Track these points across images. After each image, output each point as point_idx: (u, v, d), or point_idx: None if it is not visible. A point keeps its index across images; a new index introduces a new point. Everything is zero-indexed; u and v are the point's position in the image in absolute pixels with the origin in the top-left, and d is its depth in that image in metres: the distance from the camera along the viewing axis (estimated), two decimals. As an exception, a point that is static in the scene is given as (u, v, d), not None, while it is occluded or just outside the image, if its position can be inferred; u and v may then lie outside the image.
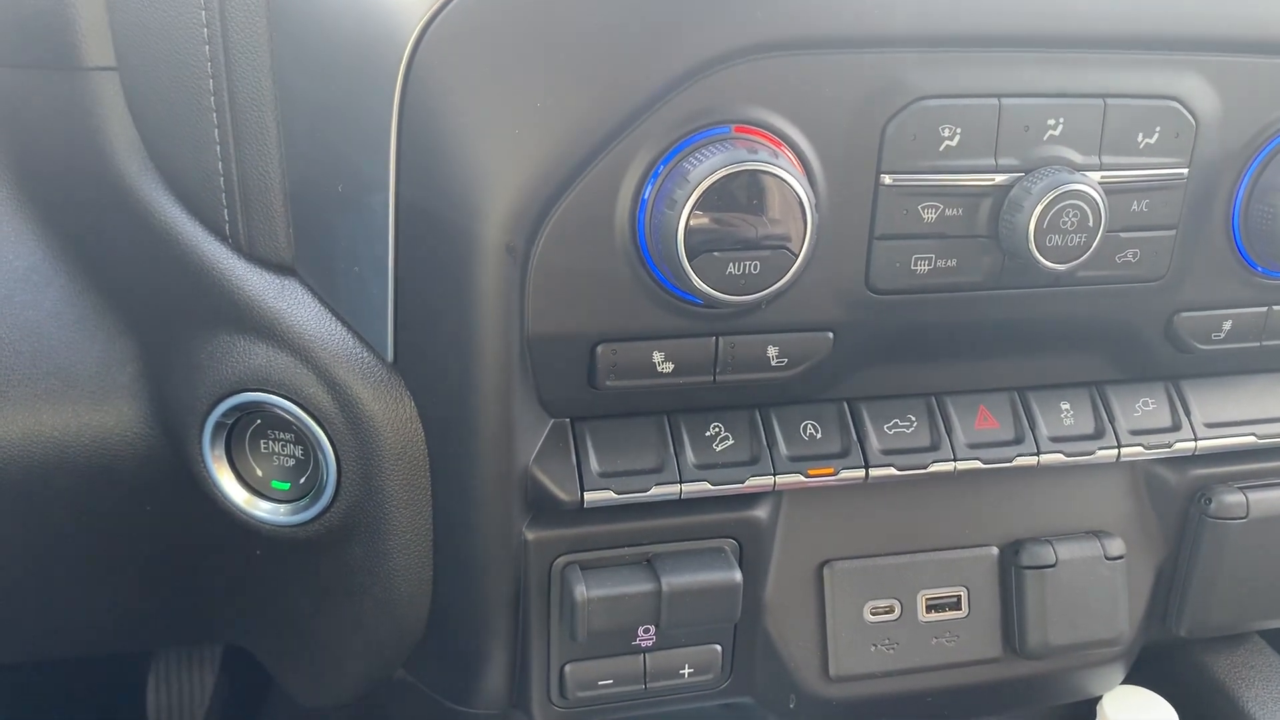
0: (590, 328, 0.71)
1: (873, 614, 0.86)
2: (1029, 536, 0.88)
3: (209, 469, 0.80)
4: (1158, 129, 0.74)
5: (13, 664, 1.14)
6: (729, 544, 0.81)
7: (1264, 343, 0.85)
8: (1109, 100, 0.72)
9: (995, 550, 0.88)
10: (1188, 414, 0.87)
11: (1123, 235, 0.75)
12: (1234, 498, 0.90)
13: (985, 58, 0.70)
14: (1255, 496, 0.90)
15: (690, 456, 0.78)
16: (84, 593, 0.92)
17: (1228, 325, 0.83)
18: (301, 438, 0.78)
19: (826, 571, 0.85)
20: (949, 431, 0.82)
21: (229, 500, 0.80)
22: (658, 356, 0.73)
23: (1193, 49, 0.73)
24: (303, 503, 0.79)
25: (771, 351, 0.74)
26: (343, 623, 0.87)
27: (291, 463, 0.79)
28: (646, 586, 0.77)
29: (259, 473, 0.80)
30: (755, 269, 0.67)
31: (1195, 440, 0.87)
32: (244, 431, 0.79)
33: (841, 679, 0.86)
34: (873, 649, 0.86)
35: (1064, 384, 0.86)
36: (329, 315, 0.76)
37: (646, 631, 0.81)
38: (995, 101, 0.70)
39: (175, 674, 1.38)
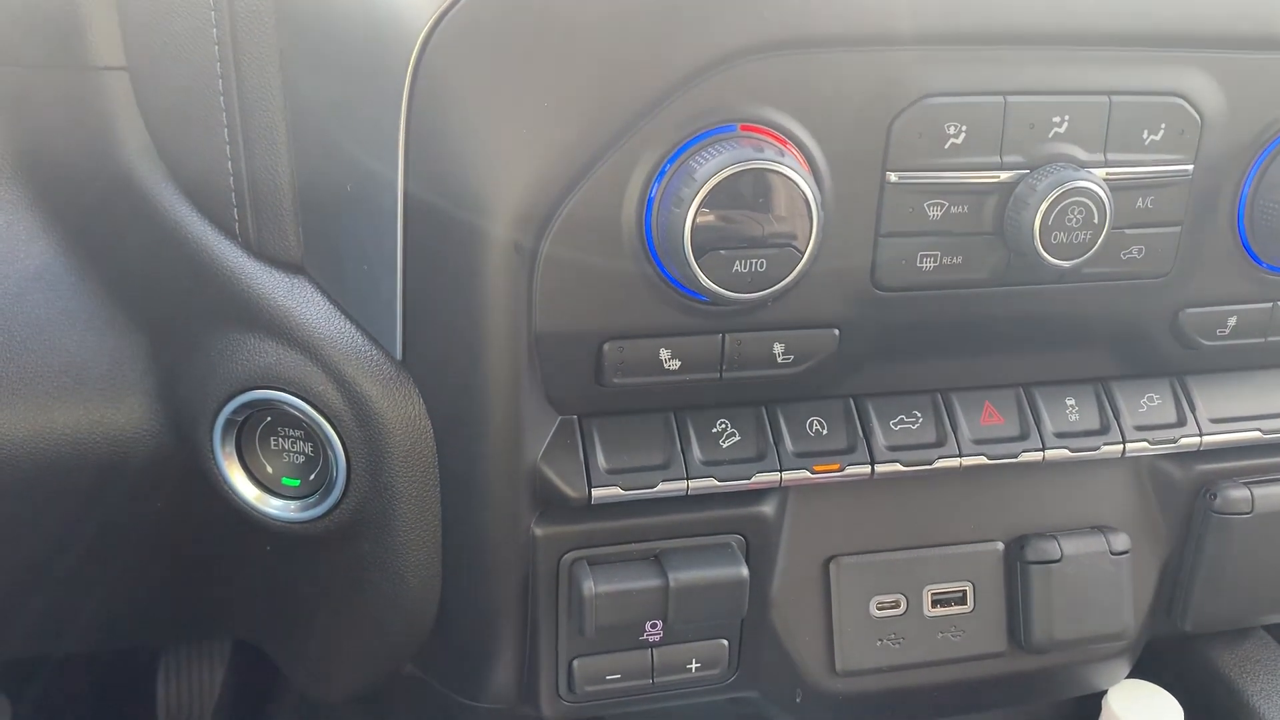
0: (597, 325, 0.71)
1: (879, 609, 0.86)
2: (1034, 532, 0.88)
3: (220, 466, 0.80)
4: (1163, 126, 0.74)
5: (23, 658, 1.15)
6: (736, 540, 0.81)
7: (1269, 339, 0.85)
8: (1114, 97, 0.72)
9: (1001, 545, 0.88)
10: (1193, 410, 0.88)
11: (1128, 232, 0.75)
12: (1239, 493, 0.90)
13: (991, 55, 0.70)
14: (1260, 492, 0.90)
15: (697, 453, 0.78)
16: (95, 588, 0.93)
17: (1233, 321, 0.83)
18: (311, 435, 0.78)
19: (832, 567, 0.85)
20: (954, 428, 0.83)
21: (239, 497, 0.81)
22: (664, 354, 0.73)
23: (1198, 46, 0.74)
24: (312, 499, 0.80)
25: (778, 348, 0.75)
26: (351, 618, 0.87)
27: (301, 459, 0.80)
28: (654, 582, 0.78)
29: (269, 469, 0.81)
30: (762, 266, 0.67)
31: (1200, 436, 0.87)
32: (254, 428, 0.80)
33: (847, 673, 0.86)
34: (879, 643, 0.86)
35: (1069, 380, 0.86)
36: (338, 313, 0.76)
37: (654, 626, 0.81)
38: (1001, 99, 0.70)
39: (184, 668, 1.38)
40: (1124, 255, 0.76)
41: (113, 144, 0.79)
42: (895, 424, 0.82)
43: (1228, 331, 0.83)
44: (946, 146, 0.70)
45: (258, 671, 1.36)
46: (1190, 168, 0.75)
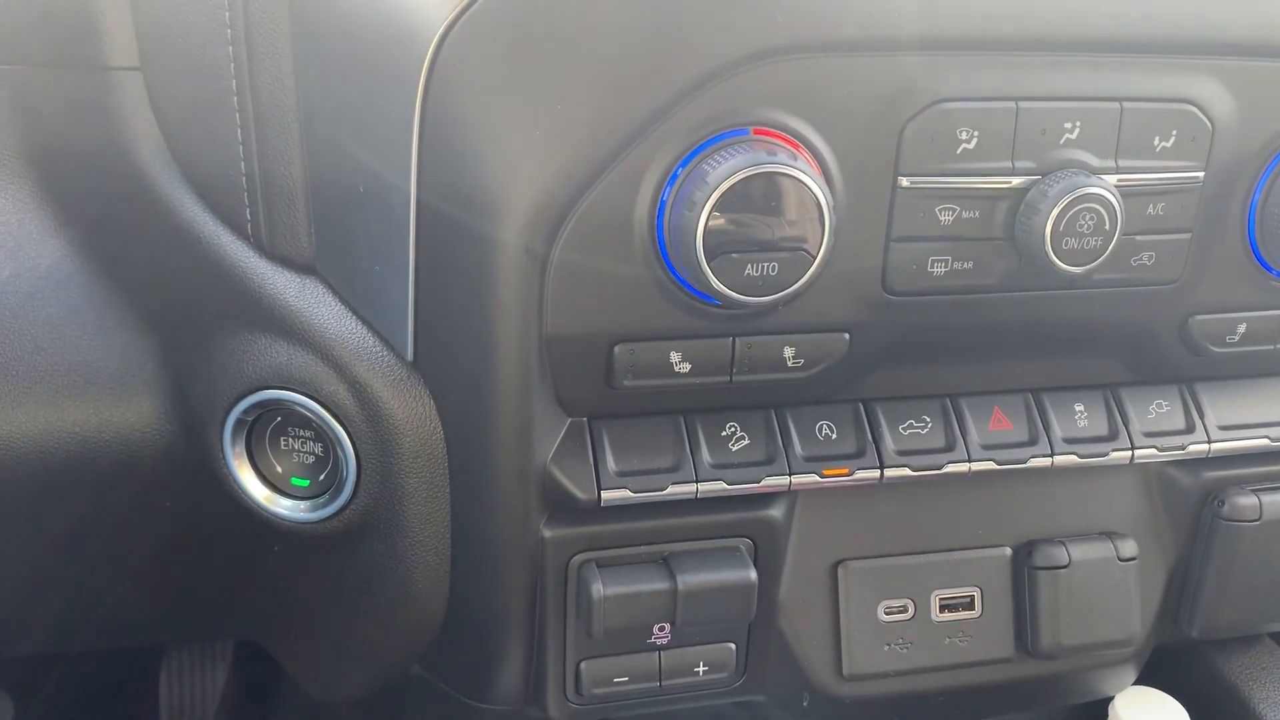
0: (608, 328, 0.72)
1: (886, 613, 0.86)
2: (1042, 537, 0.88)
3: (230, 466, 0.80)
4: (1174, 132, 0.74)
5: (28, 657, 1.15)
6: (744, 543, 0.81)
7: (1278, 346, 0.85)
8: (1126, 104, 0.72)
9: (1009, 551, 0.88)
10: (1201, 416, 0.88)
11: (1138, 238, 0.76)
12: (1247, 500, 0.90)
13: (1003, 61, 0.70)
14: (1268, 499, 0.90)
15: (706, 456, 0.78)
16: (102, 587, 0.93)
17: (1242, 328, 0.83)
18: (322, 435, 0.78)
19: (841, 571, 0.85)
20: (963, 432, 0.83)
21: (249, 497, 0.81)
22: (675, 357, 0.73)
23: (1209, 53, 0.74)
24: (322, 500, 0.80)
25: (788, 352, 0.75)
26: (359, 619, 0.87)
27: (311, 460, 0.80)
28: (662, 585, 0.78)
29: (279, 469, 0.81)
30: (773, 270, 0.67)
31: (1209, 443, 0.87)
32: (265, 428, 0.80)
33: (855, 678, 0.86)
34: (886, 648, 0.86)
35: (1078, 386, 0.86)
36: (349, 314, 0.77)
37: (662, 629, 0.81)
38: (1013, 105, 0.71)
39: (187, 668, 1.39)
40: (1134, 261, 0.77)
41: (126, 144, 0.79)
42: (904, 429, 0.82)
43: (1237, 338, 0.83)
44: (958, 152, 0.70)
45: (261, 672, 1.36)
46: (1201, 174, 0.75)
